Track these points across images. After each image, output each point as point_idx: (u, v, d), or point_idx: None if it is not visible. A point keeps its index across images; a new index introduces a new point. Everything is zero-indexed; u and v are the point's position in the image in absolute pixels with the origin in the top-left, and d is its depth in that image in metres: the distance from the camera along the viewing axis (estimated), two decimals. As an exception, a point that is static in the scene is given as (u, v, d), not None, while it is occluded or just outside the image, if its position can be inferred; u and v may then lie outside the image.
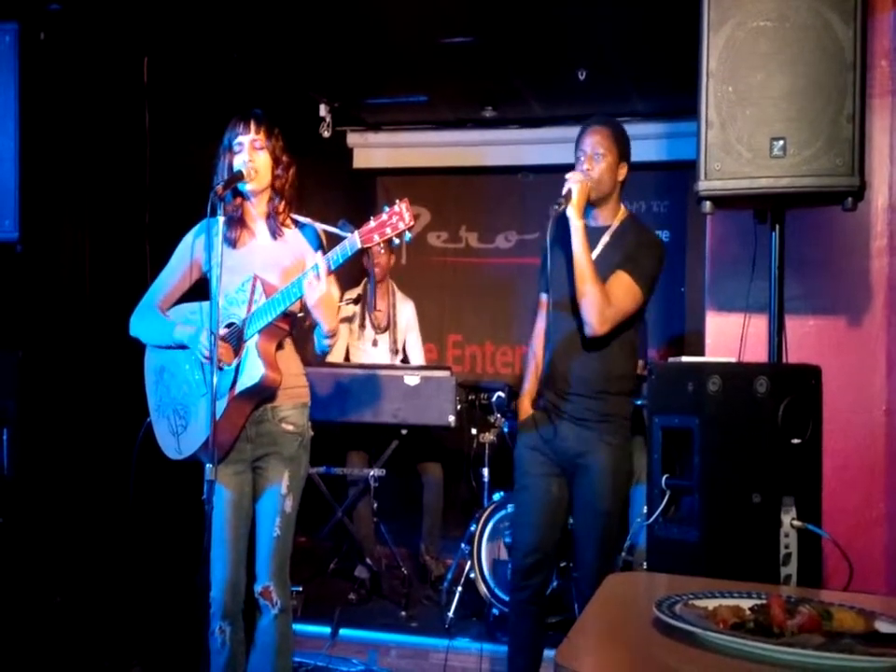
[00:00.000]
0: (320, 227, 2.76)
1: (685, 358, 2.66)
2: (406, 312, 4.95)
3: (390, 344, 4.85)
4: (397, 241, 2.45)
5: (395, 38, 4.48)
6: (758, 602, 1.43)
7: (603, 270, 2.77)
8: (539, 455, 2.88)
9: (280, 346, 2.68)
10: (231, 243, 2.69)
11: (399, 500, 4.96)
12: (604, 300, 2.70)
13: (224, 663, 2.67)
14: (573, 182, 2.75)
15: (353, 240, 2.46)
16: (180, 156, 4.17)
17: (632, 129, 5.69)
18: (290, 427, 2.69)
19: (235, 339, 2.60)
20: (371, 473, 4.32)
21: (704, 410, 2.38)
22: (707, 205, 2.63)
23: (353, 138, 6.38)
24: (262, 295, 2.58)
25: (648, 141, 5.72)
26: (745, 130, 2.51)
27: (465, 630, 3.87)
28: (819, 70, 2.46)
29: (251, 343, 2.57)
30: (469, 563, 4.02)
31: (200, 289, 2.81)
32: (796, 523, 2.29)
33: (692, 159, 2.63)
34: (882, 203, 3.02)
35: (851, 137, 2.43)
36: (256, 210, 2.73)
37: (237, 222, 2.71)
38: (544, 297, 2.96)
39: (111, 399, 3.80)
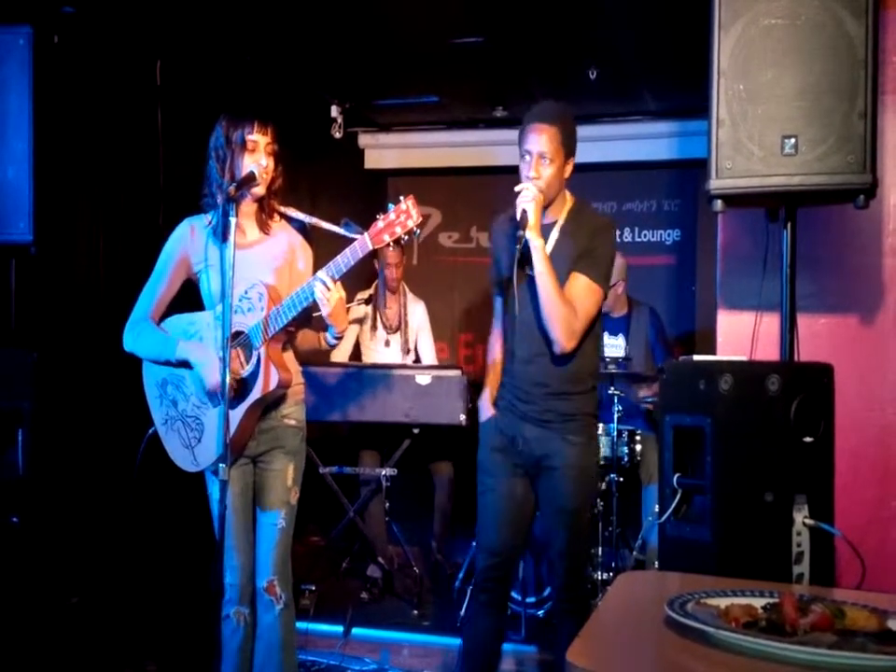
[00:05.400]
0: (311, 221, 2.77)
1: (697, 357, 2.66)
2: (417, 313, 4.96)
3: (402, 345, 4.86)
4: (406, 237, 2.45)
5: (405, 39, 4.48)
6: (770, 601, 1.43)
7: (557, 268, 2.68)
8: (502, 455, 2.82)
9: (285, 347, 2.72)
10: (223, 239, 2.65)
11: (411, 499, 4.96)
12: (570, 315, 2.65)
13: (238, 645, 2.72)
14: (526, 203, 2.64)
15: (363, 242, 2.46)
16: (193, 157, 4.18)
17: (643, 127, 5.83)
18: (293, 422, 2.75)
19: (245, 347, 2.62)
20: (383, 473, 4.34)
21: (715, 408, 2.38)
22: (719, 204, 2.62)
23: (364, 139, 6.39)
24: (268, 300, 2.59)
25: (659, 140, 5.74)
26: (756, 128, 2.51)
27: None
28: (830, 67, 2.45)
29: (262, 351, 2.59)
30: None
31: (185, 295, 2.84)
32: (808, 521, 2.29)
33: (703, 157, 2.63)
34: (894, 200, 3.01)
35: (863, 134, 2.43)
36: (247, 208, 2.73)
37: (236, 218, 2.67)
38: (499, 299, 2.91)
39: (126, 399, 3.82)
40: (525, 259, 2.70)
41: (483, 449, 2.89)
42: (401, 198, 2.44)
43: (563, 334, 2.66)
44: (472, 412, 4.31)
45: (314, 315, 2.74)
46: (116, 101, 3.92)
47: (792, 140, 2.48)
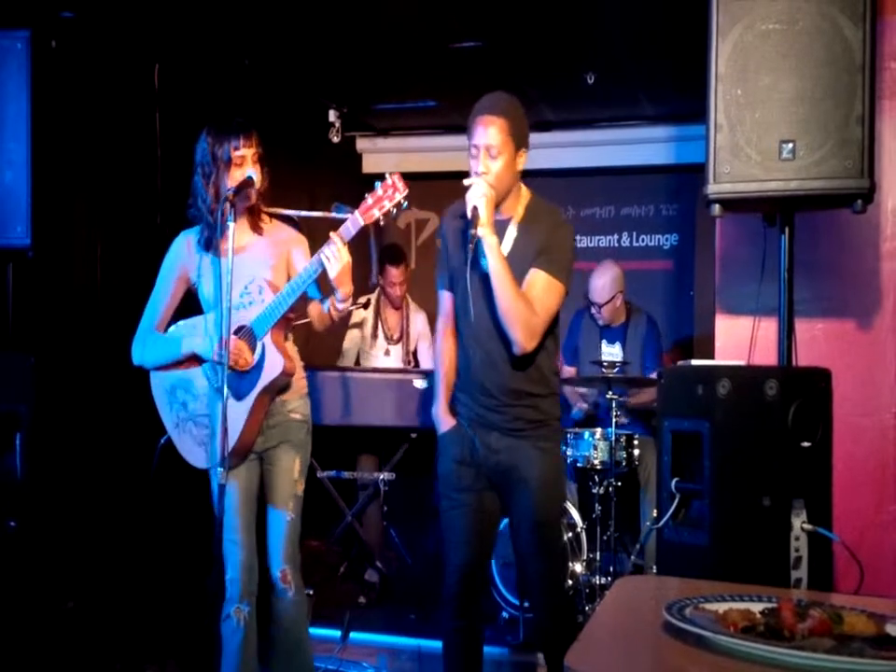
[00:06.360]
0: (301, 215, 2.86)
1: (695, 362, 2.66)
2: (419, 323, 4.96)
3: (402, 356, 4.86)
4: (395, 211, 2.57)
5: (404, 43, 4.49)
6: (768, 605, 1.43)
7: (516, 267, 2.56)
8: (466, 468, 2.68)
9: (286, 338, 2.80)
10: (210, 248, 2.74)
11: (409, 504, 4.96)
12: (529, 313, 2.53)
13: (238, 644, 2.79)
14: (476, 199, 2.51)
15: (355, 219, 2.58)
16: (191, 162, 4.19)
17: (641, 132, 5.85)
18: (298, 416, 2.84)
19: (250, 339, 2.69)
20: (381, 477, 4.34)
21: (713, 413, 2.38)
22: (716, 208, 2.62)
23: (362, 143, 6.39)
24: (269, 293, 2.68)
25: (657, 144, 5.74)
26: (754, 133, 2.51)
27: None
28: (828, 72, 2.46)
29: (266, 340, 2.68)
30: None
31: (187, 307, 2.90)
32: (806, 526, 2.29)
33: (700, 162, 2.62)
34: (892, 205, 3.01)
35: (860, 139, 2.43)
36: (237, 216, 2.74)
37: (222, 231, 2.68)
38: (447, 294, 2.77)
39: (123, 403, 3.81)
40: (479, 257, 2.58)
41: (446, 462, 2.72)
42: (387, 174, 2.57)
43: (522, 334, 2.53)
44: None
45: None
46: (114, 105, 3.92)
47: (790, 145, 2.48)
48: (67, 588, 3.44)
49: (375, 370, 4.53)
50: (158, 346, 2.82)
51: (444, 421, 2.74)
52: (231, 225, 2.56)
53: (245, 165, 2.70)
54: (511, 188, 2.64)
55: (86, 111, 3.76)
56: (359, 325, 4.85)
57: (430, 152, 6.28)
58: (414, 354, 4.94)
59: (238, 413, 2.66)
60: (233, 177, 2.68)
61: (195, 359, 2.79)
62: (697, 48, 2.65)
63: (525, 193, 2.71)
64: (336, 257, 2.56)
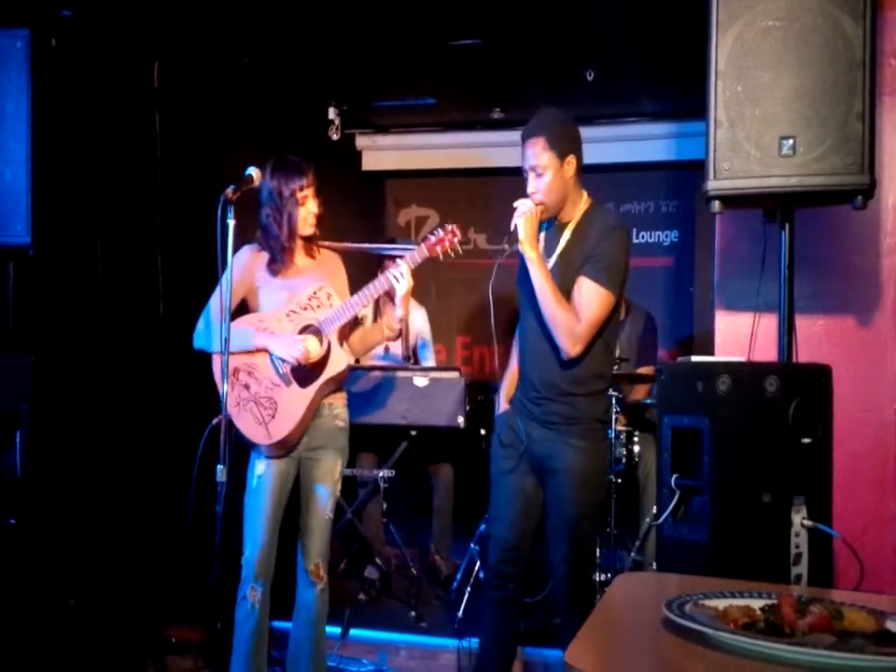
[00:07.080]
0: (365, 247, 3.25)
1: (695, 358, 2.66)
2: (419, 319, 4.96)
3: (402, 351, 4.86)
4: (452, 255, 2.98)
5: (403, 41, 4.48)
6: (768, 602, 1.43)
7: (565, 271, 2.77)
8: (512, 451, 2.87)
9: (341, 344, 3.07)
10: (276, 273, 3.03)
11: (409, 501, 4.96)
12: (572, 322, 2.71)
13: (251, 629, 2.91)
14: (517, 217, 2.74)
15: (421, 250, 2.96)
16: (191, 160, 4.19)
17: (641, 129, 5.85)
18: (342, 423, 3.11)
19: (318, 335, 2.98)
20: (381, 474, 4.34)
21: (713, 409, 2.38)
22: (716, 205, 2.62)
23: (362, 141, 6.39)
24: (336, 298, 3.00)
25: (657, 141, 5.74)
26: (754, 129, 2.51)
27: (474, 630, 3.86)
28: (828, 69, 2.45)
29: (332, 337, 2.99)
30: (478, 563, 4.02)
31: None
32: (807, 522, 2.29)
33: (700, 158, 2.62)
34: (892, 201, 3.01)
35: (861, 136, 2.43)
36: (300, 243, 3.06)
37: (287, 262, 3.03)
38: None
39: (123, 401, 3.81)
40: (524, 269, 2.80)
41: (496, 443, 2.96)
42: (445, 225, 2.98)
43: (565, 341, 2.71)
44: (471, 414, 4.32)
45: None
46: (113, 104, 3.92)
47: (790, 141, 2.48)
48: (68, 586, 3.44)
49: (373, 367, 4.52)
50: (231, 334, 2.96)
51: (499, 405, 3.05)
52: (231, 223, 2.62)
53: (307, 202, 2.99)
54: (565, 195, 2.81)
55: (85, 109, 3.76)
56: (360, 323, 4.84)
57: (430, 149, 6.28)
58: (414, 351, 4.94)
59: (301, 398, 2.95)
60: (299, 214, 2.97)
61: (263, 350, 2.99)
62: (697, 44, 2.65)
63: (585, 200, 2.87)
64: (404, 276, 2.90)
